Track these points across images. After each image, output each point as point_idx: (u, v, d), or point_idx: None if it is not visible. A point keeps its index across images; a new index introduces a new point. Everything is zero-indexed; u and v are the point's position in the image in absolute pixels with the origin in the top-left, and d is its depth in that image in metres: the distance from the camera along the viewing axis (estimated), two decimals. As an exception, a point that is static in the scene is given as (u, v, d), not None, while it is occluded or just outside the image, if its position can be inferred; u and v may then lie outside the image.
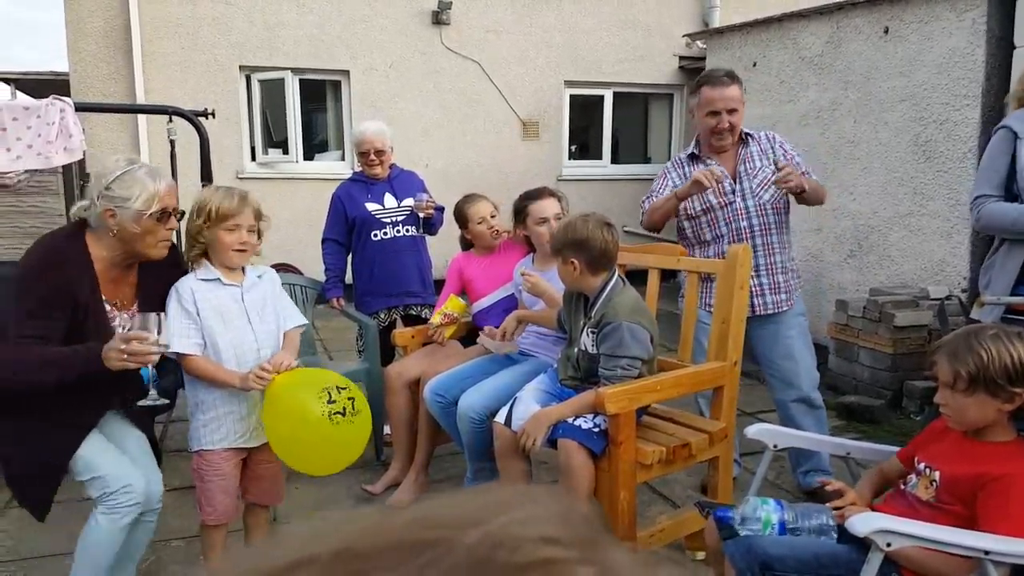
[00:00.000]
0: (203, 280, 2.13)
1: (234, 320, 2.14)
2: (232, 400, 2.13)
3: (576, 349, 2.44)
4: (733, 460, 2.64)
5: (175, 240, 2.21)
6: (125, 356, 1.80)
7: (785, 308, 2.83)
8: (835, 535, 1.76)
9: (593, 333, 2.35)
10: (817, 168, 4.81)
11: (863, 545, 1.62)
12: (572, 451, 2.22)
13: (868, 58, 4.64)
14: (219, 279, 2.13)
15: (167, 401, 2.11)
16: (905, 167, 4.40)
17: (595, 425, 2.25)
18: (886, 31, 4.53)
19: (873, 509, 1.76)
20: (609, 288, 2.36)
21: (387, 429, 3.19)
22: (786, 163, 2.71)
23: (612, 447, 2.20)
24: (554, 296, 2.62)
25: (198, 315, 2.09)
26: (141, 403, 2.00)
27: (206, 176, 3.79)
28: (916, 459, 1.80)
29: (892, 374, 3.79)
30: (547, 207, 2.81)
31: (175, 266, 2.16)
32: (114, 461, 2.01)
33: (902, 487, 1.82)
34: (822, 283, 4.89)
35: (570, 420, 2.28)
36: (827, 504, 1.80)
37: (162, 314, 1.95)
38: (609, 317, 2.29)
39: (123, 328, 2.00)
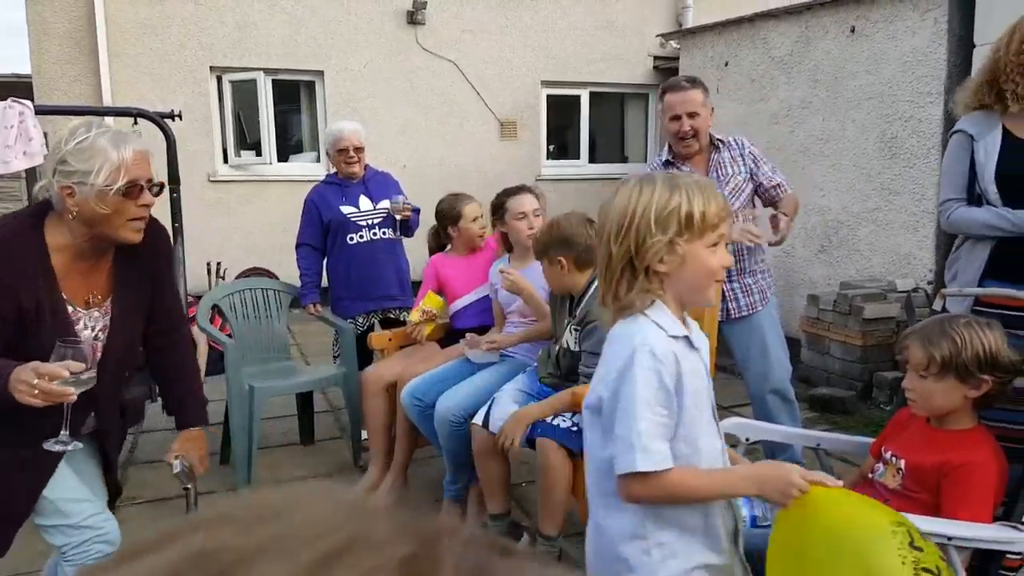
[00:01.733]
0: (673, 337, 1.30)
1: (706, 406, 1.37)
2: (709, 511, 1.37)
3: (558, 347, 2.47)
4: (708, 454, 2.68)
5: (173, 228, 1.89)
6: (36, 392, 1.41)
7: (759, 308, 2.89)
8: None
9: (576, 331, 2.37)
10: (788, 165, 4.90)
11: (832, 534, 1.65)
12: (550, 450, 2.24)
13: (836, 57, 4.72)
14: (688, 337, 1.32)
15: (79, 445, 1.61)
16: (872, 163, 4.49)
17: (573, 424, 2.26)
18: (852, 30, 4.62)
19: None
20: (594, 287, 2.37)
21: (364, 434, 3.18)
22: (785, 222, 2.68)
23: (590, 445, 2.23)
24: (533, 294, 2.65)
25: (677, 396, 1.27)
26: (46, 446, 1.55)
27: (173, 179, 3.74)
28: (883, 448, 1.85)
29: (862, 366, 3.88)
30: (525, 202, 2.83)
31: (159, 252, 1.79)
32: (87, 505, 1.71)
33: (870, 476, 1.87)
34: (793, 278, 4.97)
35: (548, 419, 2.29)
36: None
37: (96, 344, 1.58)
38: (594, 315, 2.31)
39: (90, 330, 1.66)
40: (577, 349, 2.37)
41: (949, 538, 1.57)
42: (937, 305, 2.28)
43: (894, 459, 1.79)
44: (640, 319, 1.30)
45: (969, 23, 3.99)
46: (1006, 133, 2.23)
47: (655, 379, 1.24)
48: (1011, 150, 2.23)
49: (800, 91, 4.99)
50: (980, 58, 3.92)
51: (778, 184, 2.88)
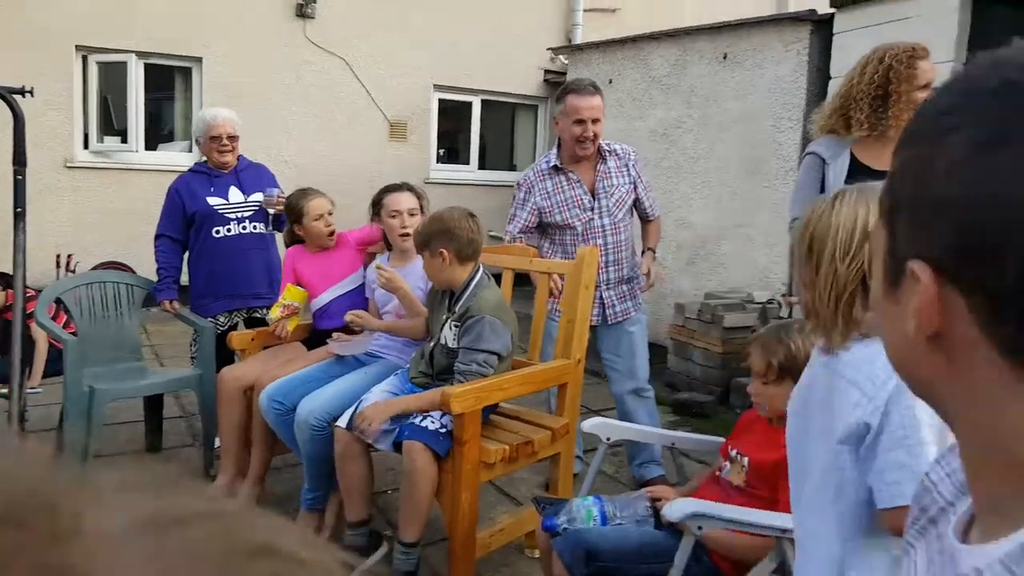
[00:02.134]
0: None
1: None
2: None
3: (433, 344, 2.42)
4: (575, 456, 2.73)
5: None
6: None
7: (633, 314, 3.01)
8: (653, 522, 1.85)
9: (456, 326, 2.34)
10: (662, 181, 5.13)
11: (679, 531, 1.71)
12: (416, 453, 2.18)
13: (709, 81, 4.99)
14: None
15: None
16: (737, 182, 4.78)
17: (442, 426, 2.23)
18: (725, 57, 4.90)
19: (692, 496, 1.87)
20: (475, 283, 2.37)
21: (219, 442, 2.96)
22: (652, 280, 2.99)
23: (456, 447, 2.19)
24: (408, 293, 2.59)
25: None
26: None
27: (19, 161, 3.40)
28: (730, 447, 1.94)
29: (721, 372, 4.09)
30: (402, 200, 2.76)
31: None
32: None
33: (717, 474, 1.95)
34: (664, 288, 5.18)
35: (416, 421, 2.25)
36: (643, 491, 1.90)
37: None
38: (474, 311, 2.30)
39: None
40: (456, 345, 2.34)
41: (783, 531, 1.65)
42: (784, 312, 2.45)
43: (739, 457, 1.87)
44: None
45: (827, 56, 4.33)
46: (853, 158, 2.41)
47: (923, 419, 1.16)
48: (857, 175, 2.40)
49: (676, 111, 5.23)
50: (835, 87, 4.27)
51: (650, 204, 3.03)
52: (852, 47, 3.90)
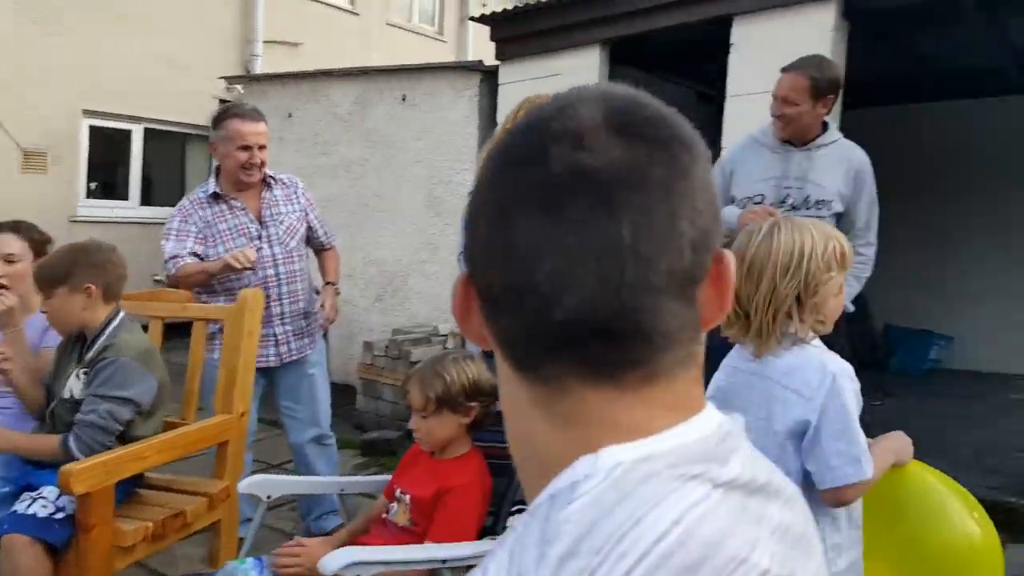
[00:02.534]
0: None
1: None
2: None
3: (55, 402, 2.03)
4: (245, 519, 2.45)
5: None
6: None
7: (308, 352, 2.82)
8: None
9: (86, 374, 1.98)
10: (346, 218, 5.09)
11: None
12: (19, 549, 1.77)
13: (390, 121, 5.09)
14: None
15: None
16: (421, 220, 4.93)
17: (57, 509, 1.85)
18: (404, 99, 5.05)
19: (360, 544, 1.76)
20: (114, 324, 2.05)
21: None
22: (328, 314, 2.85)
23: (81, 534, 1.82)
24: (19, 324, 2.16)
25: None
26: None
27: None
28: (395, 487, 1.88)
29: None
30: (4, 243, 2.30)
31: None
32: None
33: (384, 516, 1.87)
34: (354, 327, 5.11)
35: (20, 509, 1.83)
36: (278, 550, 1.76)
37: None
38: (110, 353, 1.97)
39: None
40: (83, 396, 1.97)
41: (444, 561, 1.62)
42: (451, 343, 2.51)
43: (403, 496, 1.82)
44: (813, 348, 1.44)
45: (495, 102, 4.68)
46: None
47: (856, 399, 1.40)
48: None
49: (358, 149, 5.24)
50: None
51: (325, 232, 2.92)
52: (515, 96, 4.28)
